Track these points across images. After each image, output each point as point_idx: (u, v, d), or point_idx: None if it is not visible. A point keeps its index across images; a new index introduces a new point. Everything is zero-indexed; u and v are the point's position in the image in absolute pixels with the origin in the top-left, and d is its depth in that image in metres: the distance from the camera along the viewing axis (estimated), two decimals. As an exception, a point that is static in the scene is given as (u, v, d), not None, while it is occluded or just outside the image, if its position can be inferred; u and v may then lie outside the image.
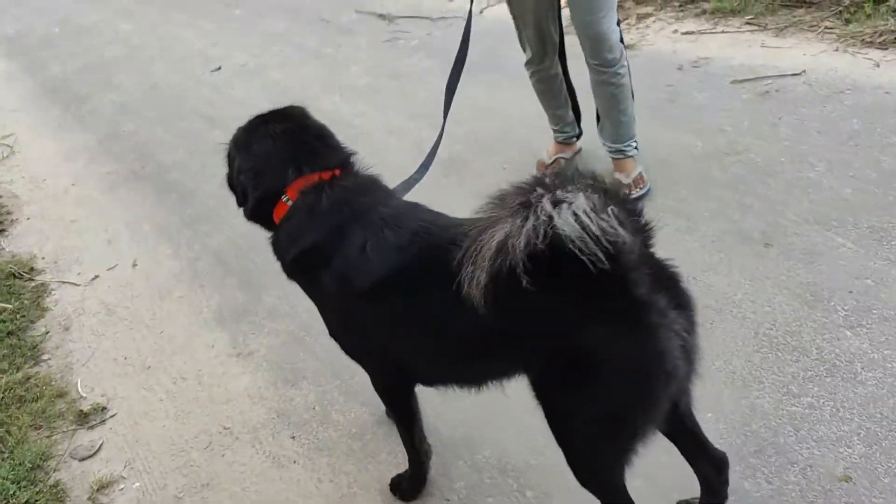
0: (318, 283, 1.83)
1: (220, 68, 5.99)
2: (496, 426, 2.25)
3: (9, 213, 4.36)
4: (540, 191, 1.32)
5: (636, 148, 3.21)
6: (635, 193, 3.11)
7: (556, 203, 1.29)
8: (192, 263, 3.47)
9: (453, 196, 3.44)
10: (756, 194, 2.98)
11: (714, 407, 2.14)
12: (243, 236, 3.51)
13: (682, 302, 1.47)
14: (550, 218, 1.28)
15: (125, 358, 2.94)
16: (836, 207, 2.81)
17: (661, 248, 2.77)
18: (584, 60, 3.05)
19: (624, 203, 1.36)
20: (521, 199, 1.32)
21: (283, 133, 1.88)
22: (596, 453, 1.57)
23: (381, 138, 4.14)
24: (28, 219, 4.26)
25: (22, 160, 5.12)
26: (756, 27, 4.38)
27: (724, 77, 3.91)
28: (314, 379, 2.59)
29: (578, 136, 3.51)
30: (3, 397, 2.78)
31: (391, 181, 2.09)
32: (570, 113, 3.42)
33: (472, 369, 1.77)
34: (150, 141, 4.91)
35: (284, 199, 1.83)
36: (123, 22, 8.01)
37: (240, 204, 1.97)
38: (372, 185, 1.88)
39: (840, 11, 4.23)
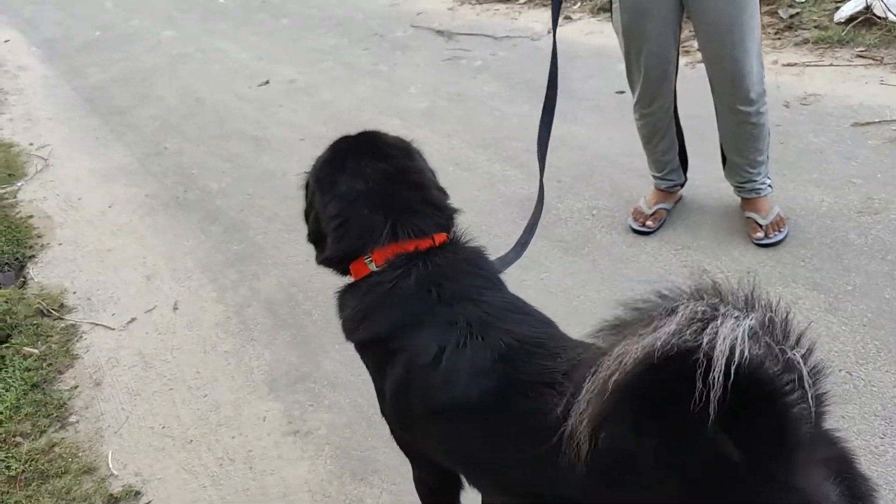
0: (377, 370, 1.51)
1: (267, 83, 5.65)
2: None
3: (40, 236, 4.02)
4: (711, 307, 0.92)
5: (771, 186, 2.82)
6: (773, 237, 2.72)
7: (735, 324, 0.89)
8: (240, 311, 3.08)
9: (534, 244, 3.03)
10: (906, 266, 2.51)
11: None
12: (297, 283, 3.13)
13: (860, 494, 1.05)
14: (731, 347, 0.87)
15: (163, 427, 2.55)
16: None
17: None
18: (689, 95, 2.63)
19: (808, 353, 0.95)
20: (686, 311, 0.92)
21: (379, 176, 1.50)
22: None
23: (449, 171, 3.74)
24: (60, 244, 3.91)
25: (56, 175, 4.79)
26: (871, 61, 3.92)
27: (841, 118, 3.45)
28: (387, 474, 2.18)
29: (682, 185, 3.08)
30: (23, 470, 2.41)
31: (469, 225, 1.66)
32: (677, 158, 2.99)
33: None
34: (193, 162, 4.56)
35: (367, 259, 1.46)
36: (165, 29, 7.73)
37: (315, 245, 1.62)
38: (471, 267, 1.48)
39: (970, 47, 3.74)
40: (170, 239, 3.75)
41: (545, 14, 5.72)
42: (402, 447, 1.64)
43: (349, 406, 2.46)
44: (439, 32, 5.89)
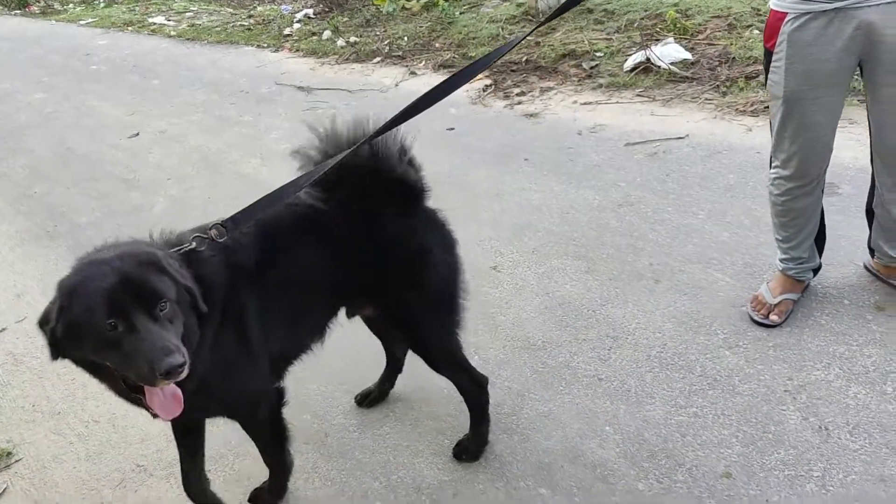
0: None
1: (137, 135, 6.04)
2: (411, 450, 2.35)
3: None
4: None
5: None
6: None
7: None
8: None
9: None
10: (647, 239, 3.27)
11: (612, 421, 2.31)
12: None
13: None
14: None
15: (33, 405, 2.88)
16: (716, 249, 3.12)
17: (564, 286, 3.01)
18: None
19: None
20: None
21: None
22: None
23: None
24: (-71, 276, 4.16)
25: (-77, 221, 5.00)
26: (646, 98, 4.84)
27: (618, 141, 4.29)
28: (232, 415, 2.65)
29: (816, 272, 2.75)
30: None
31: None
32: (814, 242, 2.70)
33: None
34: (63, 202, 4.88)
35: None
36: (36, 91, 7.97)
37: None
38: None
39: (717, 86, 4.74)
40: (40, 264, 4.06)
41: (394, 70, 6.48)
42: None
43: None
44: (300, 88, 6.52)
